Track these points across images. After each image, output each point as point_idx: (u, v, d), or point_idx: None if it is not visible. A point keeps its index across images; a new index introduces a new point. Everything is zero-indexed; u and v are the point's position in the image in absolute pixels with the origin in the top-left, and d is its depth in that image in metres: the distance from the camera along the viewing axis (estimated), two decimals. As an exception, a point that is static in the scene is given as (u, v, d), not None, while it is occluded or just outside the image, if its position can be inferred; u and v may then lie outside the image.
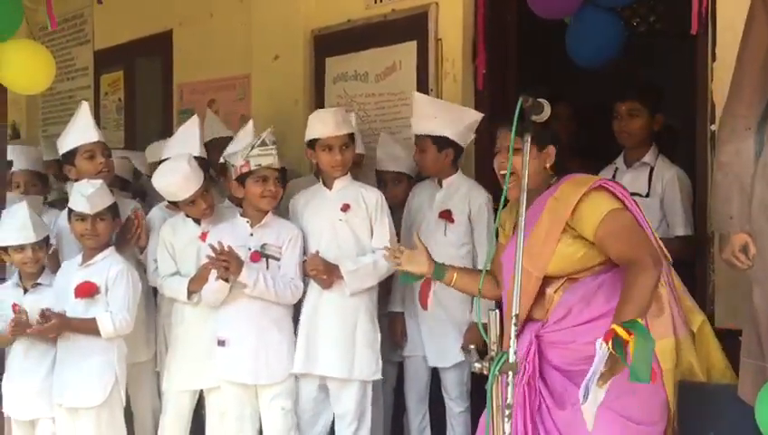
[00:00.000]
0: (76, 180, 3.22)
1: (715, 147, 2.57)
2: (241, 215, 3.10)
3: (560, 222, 2.25)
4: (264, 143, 3.00)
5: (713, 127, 2.77)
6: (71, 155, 3.29)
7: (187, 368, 3.15)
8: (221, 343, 3.03)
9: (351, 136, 3.15)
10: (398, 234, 3.37)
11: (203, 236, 3.14)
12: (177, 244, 3.19)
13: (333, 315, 3.04)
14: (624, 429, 2.20)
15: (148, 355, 3.32)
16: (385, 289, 3.30)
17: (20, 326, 2.93)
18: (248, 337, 3.02)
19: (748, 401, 2.27)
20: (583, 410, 1.96)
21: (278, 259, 3.02)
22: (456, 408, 3.21)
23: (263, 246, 3.02)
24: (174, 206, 3.19)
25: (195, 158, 3.25)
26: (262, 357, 3.01)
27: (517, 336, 1.93)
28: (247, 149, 3.01)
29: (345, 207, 3.07)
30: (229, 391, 3.06)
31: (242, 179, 3.02)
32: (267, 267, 3.01)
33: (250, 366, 3.01)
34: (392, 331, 3.33)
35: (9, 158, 3.58)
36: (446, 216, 3.19)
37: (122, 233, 3.26)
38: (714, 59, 2.85)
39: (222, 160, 3.24)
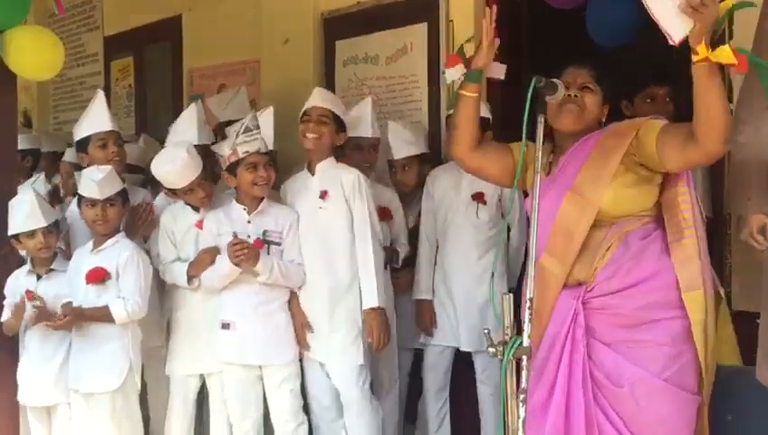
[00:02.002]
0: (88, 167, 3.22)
1: (732, 127, 2.52)
2: (237, 201, 3.09)
3: (621, 146, 2.21)
4: (248, 129, 2.99)
5: (731, 106, 2.71)
6: (84, 143, 3.30)
7: (191, 352, 3.15)
8: (225, 326, 3.03)
9: (335, 117, 3.10)
10: (417, 218, 3.35)
11: (199, 224, 3.14)
12: (178, 231, 3.19)
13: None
14: (678, 398, 2.15)
15: (160, 340, 3.33)
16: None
17: (42, 315, 2.93)
18: (255, 319, 3.01)
19: (766, 383, 2.24)
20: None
21: (279, 244, 3.02)
22: (487, 391, 3.20)
23: (264, 233, 3.01)
24: (173, 193, 3.18)
25: (199, 145, 3.26)
26: (270, 338, 3.02)
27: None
28: (232, 138, 3.00)
29: (323, 194, 3.05)
30: (233, 375, 3.06)
31: (232, 169, 3.01)
32: (268, 253, 3.00)
33: (258, 347, 3.01)
34: (421, 319, 3.30)
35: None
36: (480, 197, 3.18)
37: (131, 220, 3.26)
38: (731, 37, 2.78)
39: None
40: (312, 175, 3.11)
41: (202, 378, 3.22)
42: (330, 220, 3.04)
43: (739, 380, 2.34)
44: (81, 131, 3.32)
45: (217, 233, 3.07)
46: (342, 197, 3.03)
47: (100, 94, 3.40)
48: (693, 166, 2.21)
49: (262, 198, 3.06)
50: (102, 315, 2.99)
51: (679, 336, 2.16)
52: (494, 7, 2.45)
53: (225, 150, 3.01)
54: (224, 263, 2.98)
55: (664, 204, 2.27)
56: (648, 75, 3.30)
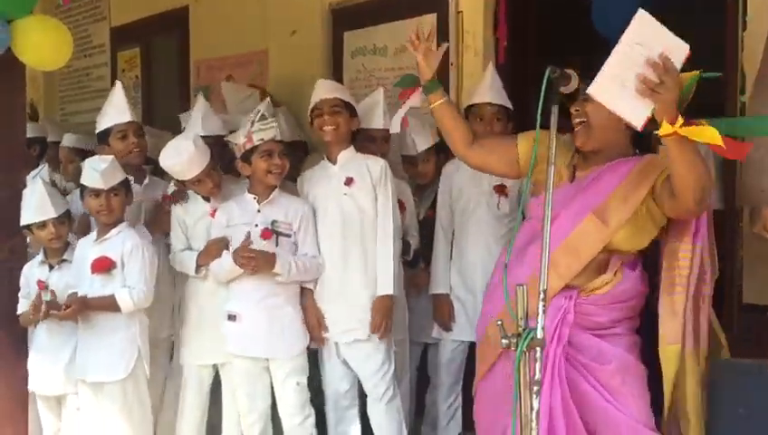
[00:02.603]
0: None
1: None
2: (249, 191, 3.07)
3: (647, 183, 2.23)
4: (263, 117, 2.97)
5: (743, 98, 2.70)
6: (105, 135, 3.32)
7: (204, 342, 3.15)
8: (231, 317, 3.02)
9: (346, 104, 3.08)
10: (432, 208, 3.34)
11: (213, 213, 3.14)
12: (189, 220, 3.19)
13: None
14: (643, 371, 2.34)
15: (169, 331, 3.33)
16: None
17: (52, 306, 2.94)
18: (261, 311, 2.99)
19: (779, 377, 2.23)
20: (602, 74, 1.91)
21: (289, 236, 2.99)
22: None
23: (273, 223, 2.99)
24: (182, 184, 3.18)
25: (208, 136, 3.27)
26: (275, 331, 2.99)
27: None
28: (248, 126, 2.97)
29: (349, 181, 3.04)
30: (240, 367, 3.05)
31: (246, 157, 2.99)
32: (277, 244, 2.98)
33: (264, 340, 2.99)
34: (439, 313, 3.29)
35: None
36: (501, 189, 3.17)
37: (153, 215, 3.28)
38: (744, 28, 2.77)
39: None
40: (334, 164, 3.09)
41: (215, 368, 3.22)
42: (355, 206, 3.02)
43: (751, 373, 2.33)
44: (101, 123, 3.34)
45: (227, 224, 3.06)
46: (370, 184, 3.02)
47: (119, 86, 3.41)
48: (681, 217, 2.25)
49: (274, 188, 3.04)
50: (108, 305, 2.98)
51: (634, 329, 2.39)
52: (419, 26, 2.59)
53: (239, 138, 2.99)
54: (227, 259, 2.97)
55: (665, 253, 2.33)
56: None
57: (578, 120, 2.30)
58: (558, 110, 2.04)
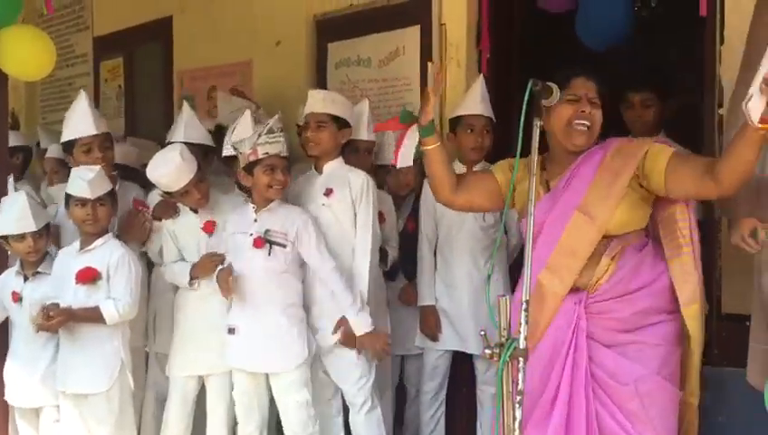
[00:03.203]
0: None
1: (723, 131, 2.55)
2: (250, 202, 3.06)
3: (629, 168, 2.25)
4: (271, 130, 2.94)
5: (721, 111, 2.75)
6: (69, 146, 3.26)
7: (191, 353, 3.14)
8: (231, 330, 3.00)
9: (335, 118, 3.09)
10: (414, 220, 3.36)
11: (206, 227, 3.12)
12: (179, 232, 3.19)
13: None
14: (672, 394, 2.26)
15: (142, 340, 3.32)
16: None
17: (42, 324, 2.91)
18: (258, 325, 2.98)
19: (757, 386, 2.27)
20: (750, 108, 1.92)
21: (284, 246, 2.96)
22: (489, 390, 3.21)
23: (266, 232, 2.96)
24: (169, 196, 3.16)
25: (195, 145, 3.25)
26: (272, 345, 2.97)
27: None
28: (254, 137, 2.95)
29: (328, 192, 3.05)
30: (239, 380, 3.04)
31: (250, 168, 2.97)
32: (270, 253, 2.95)
33: (261, 354, 2.97)
34: (426, 324, 3.29)
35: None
36: None
37: (127, 224, 3.24)
38: (722, 42, 2.82)
39: (229, 149, 3.21)
40: (320, 174, 3.11)
41: (202, 379, 3.20)
42: (332, 218, 3.03)
43: (730, 382, 2.37)
44: (65, 134, 3.26)
45: (231, 232, 3.05)
46: (349, 197, 3.02)
47: (82, 95, 3.30)
48: (700, 198, 2.30)
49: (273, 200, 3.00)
50: (93, 316, 2.97)
51: (670, 337, 2.28)
52: (436, 64, 2.68)
53: (245, 149, 2.95)
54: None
55: (662, 221, 2.34)
56: (625, 82, 3.36)
57: (586, 122, 2.31)
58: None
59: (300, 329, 3.00)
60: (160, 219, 3.22)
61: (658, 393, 2.22)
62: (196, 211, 3.17)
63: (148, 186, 3.36)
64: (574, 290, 2.29)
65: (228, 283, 2.91)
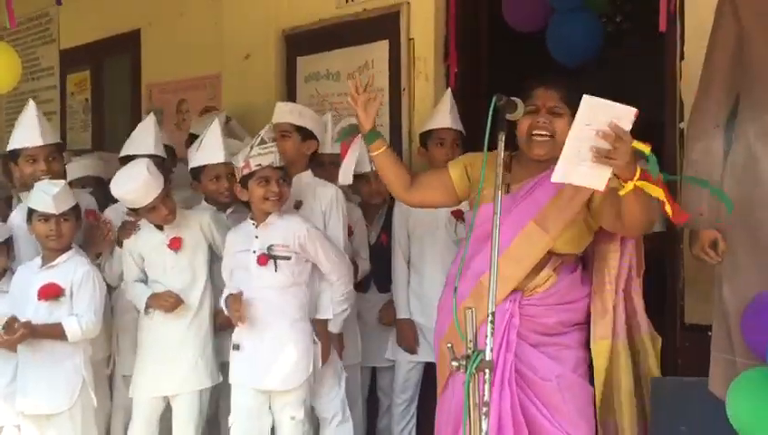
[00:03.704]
0: (21, 181, 3.14)
1: (684, 145, 2.61)
2: (250, 217, 3.00)
3: (587, 192, 2.30)
4: (263, 141, 2.90)
5: (682, 125, 2.81)
6: (15, 155, 3.18)
7: (155, 374, 3.09)
8: (235, 347, 2.93)
9: (298, 128, 3.11)
10: (388, 233, 3.37)
11: (172, 244, 3.06)
12: (144, 251, 3.12)
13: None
14: (587, 391, 2.43)
15: (101, 355, 3.26)
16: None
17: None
18: (264, 341, 2.89)
19: (719, 395, 2.31)
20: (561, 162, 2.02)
21: (288, 258, 2.89)
22: None
23: (269, 248, 2.89)
24: (134, 212, 3.10)
25: (154, 157, 3.23)
26: (278, 362, 2.88)
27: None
28: (247, 150, 2.92)
29: (297, 204, 3.05)
30: (240, 398, 2.95)
31: (244, 182, 2.92)
32: (276, 269, 2.89)
33: (266, 371, 2.89)
34: (404, 337, 3.30)
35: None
36: (459, 214, 3.21)
37: (87, 237, 3.20)
38: (682, 57, 2.88)
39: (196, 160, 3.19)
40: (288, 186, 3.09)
41: (166, 399, 3.14)
42: None
43: (693, 391, 2.41)
44: (11, 143, 3.20)
45: (233, 251, 2.98)
46: (319, 209, 3.02)
47: (31, 106, 3.22)
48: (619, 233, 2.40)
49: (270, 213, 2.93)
50: (55, 333, 2.91)
51: (582, 343, 2.47)
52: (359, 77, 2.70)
53: (239, 162, 2.91)
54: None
55: (596, 255, 2.47)
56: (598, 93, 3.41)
57: (543, 132, 2.36)
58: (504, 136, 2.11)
59: (306, 344, 2.93)
60: (121, 245, 3.17)
61: (577, 389, 2.39)
62: (161, 228, 3.11)
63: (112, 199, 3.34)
64: (513, 290, 2.39)
65: (240, 311, 2.84)
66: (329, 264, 2.96)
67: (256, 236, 2.93)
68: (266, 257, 2.88)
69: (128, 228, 3.16)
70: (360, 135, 2.60)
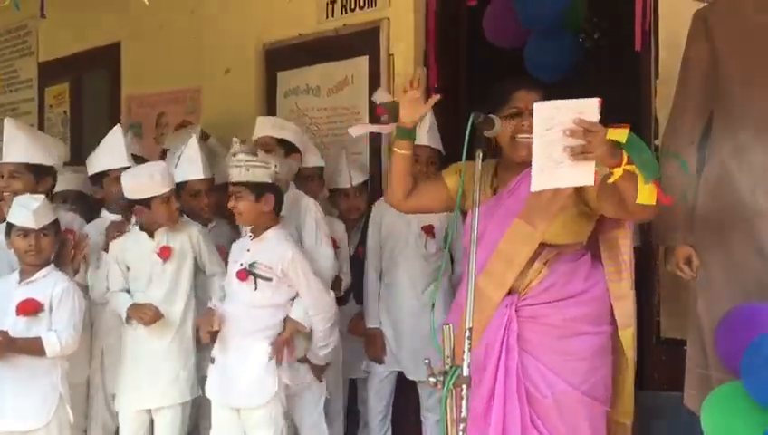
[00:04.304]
0: None
1: (658, 161, 2.65)
2: (250, 230, 2.98)
3: None
4: (234, 155, 2.91)
5: (656, 142, 2.86)
6: None
7: (138, 386, 3.07)
8: (212, 359, 2.93)
9: (280, 141, 3.13)
10: (361, 244, 3.39)
11: (162, 252, 3.04)
12: (130, 259, 3.11)
13: None
14: (592, 409, 2.27)
15: (82, 377, 3.24)
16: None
17: None
18: (234, 357, 2.88)
19: (693, 408, 2.34)
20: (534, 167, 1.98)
21: (270, 280, 2.86)
22: (433, 417, 3.23)
23: (251, 265, 2.88)
24: (128, 212, 3.07)
25: (127, 168, 3.22)
26: (245, 379, 2.86)
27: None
28: (229, 161, 2.94)
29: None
30: (214, 414, 2.94)
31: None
32: (256, 287, 2.87)
33: (233, 388, 2.88)
34: (371, 347, 3.32)
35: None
36: (429, 230, 3.23)
37: (61, 253, 3.17)
38: (657, 76, 2.94)
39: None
40: None
41: (150, 413, 3.11)
42: None
43: (669, 406, 2.44)
44: None
45: (233, 260, 2.98)
46: (297, 221, 3.02)
47: (6, 122, 3.22)
48: (624, 219, 2.30)
49: (269, 227, 2.89)
50: (33, 347, 2.88)
51: (598, 351, 2.29)
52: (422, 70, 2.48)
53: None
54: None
55: (604, 243, 2.36)
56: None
57: (526, 135, 2.24)
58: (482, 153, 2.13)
59: (272, 363, 2.88)
60: (107, 249, 3.16)
61: (578, 408, 2.24)
62: (152, 235, 3.09)
63: (92, 215, 3.32)
64: (507, 294, 2.30)
65: (209, 329, 2.85)
66: (309, 297, 2.90)
67: (248, 250, 2.94)
68: (246, 274, 2.88)
69: (117, 228, 3.15)
70: (394, 124, 2.47)
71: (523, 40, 3.82)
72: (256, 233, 2.92)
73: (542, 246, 2.28)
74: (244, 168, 2.82)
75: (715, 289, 2.38)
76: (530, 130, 2.23)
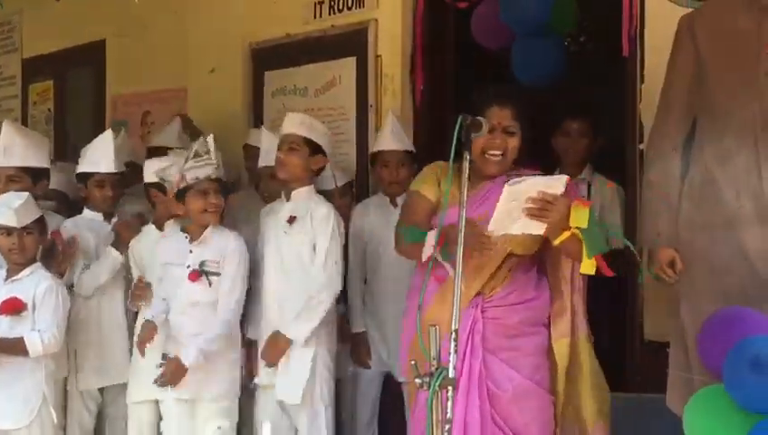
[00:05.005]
0: None
1: (643, 165, 2.68)
2: (181, 230, 3.01)
3: None
4: (197, 154, 2.92)
5: (641, 146, 2.88)
6: None
7: (145, 378, 3.01)
8: (164, 357, 2.92)
9: (308, 141, 3.05)
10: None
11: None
12: (143, 255, 3.14)
13: None
14: (542, 399, 2.45)
15: (60, 375, 3.20)
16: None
17: None
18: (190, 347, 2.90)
19: (676, 411, 2.36)
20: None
21: (218, 275, 2.93)
22: None
23: (201, 264, 2.93)
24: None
25: (117, 173, 3.29)
26: (203, 370, 2.89)
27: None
28: (181, 163, 2.93)
29: (291, 220, 3.00)
30: (166, 409, 2.98)
31: (181, 195, 2.93)
32: (210, 284, 2.92)
33: (188, 379, 2.89)
34: (357, 351, 3.31)
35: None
36: None
37: (48, 253, 3.16)
38: (642, 81, 2.96)
39: (156, 179, 3.13)
40: (288, 200, 3.05)
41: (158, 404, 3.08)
42: (291, 247, 2.98)
43: (651, 408, 2.46)
44: None
45: (164, 262, 2.99)
46: (310, 227, 2.97)
47: None
48: None
49: (207, 226, 2.95)
50: (16, 348, 2.87)
51: (541, 349, 2.49)
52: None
53: (173, 176, 2.92)
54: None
55: (548, 259, 2.52)
56: (564, 111, 3.49)
57: (496, 152, 2.42)
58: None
59: (235, 356, 2.96)
60: (127, 241, 3.17)
61: (531, 396, 2.42)
62: (161, 229, 3.12)
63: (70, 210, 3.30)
64: (473, 296, 2.43)
65: (151, 341, 2.90)
66: (225, 292, 2.92)
67: (191, 251, 2.94)
68: (197, 274, 2.91)
69: (128, 227, 3.16)
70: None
71: (511, 41, 3.83)
72: (196, 235, 2.94)
73: (509, 255, 2.43)
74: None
75: (698, 292, 2.40)
76: (499, 147, 2.41)
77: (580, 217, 2.21)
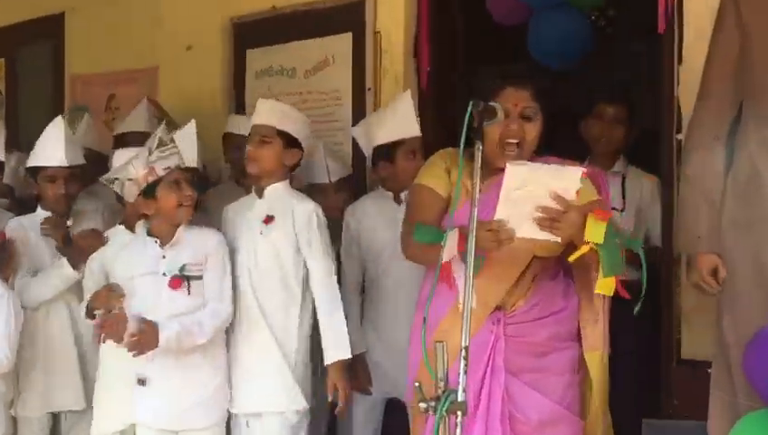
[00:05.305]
0: None
1: (681, 159, 2.68)
2: (148, 234, 2.95)
3: None
4: (162, 143, 2.88)
5: (679, 136, 2.88)
6: None
7: (114, 407, 2.97)
8: (141, 381, 2.86)
9: (281, 133, 3.02)
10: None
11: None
12: (108, 258, 3.08)
13: None
14: (572, 425, 2.44)
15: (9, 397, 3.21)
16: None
17: None
18: (176, 374, 2.86)
19: (717, 438, 2.37)
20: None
21: (200, 278, 2.88)
22: None
23: (182, 269, 2.88)
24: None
25: (72, 167, 3.28)
26: (190, 398, 2.87)
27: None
28: (145, 156, 2.88)
29: (268, 219, 2.98)
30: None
31: (150, 192, 2.88)
32: (189, 293, 2.86)
33: (173, 409, 2.86)
34: (356, 375, 3.19)
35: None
36: None
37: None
38: (680, 61, 2.95)
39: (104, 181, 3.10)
40: (260, 197, 3.02)
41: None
42: (270, 250, 2.96)
43: (687, 434, 2.46)
44: None
45: (129, 276, 2.91)
46: (291, 227, 2.95)
47: None
48: None
49: (177, 226, 2.90)
50: None
51: (573, 365, 2.47)
52: None
53: (137, 171, 2.87)
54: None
55: (575, 262, 2.40)
56: (599, 94, 3.48)
57: (513, 140, 2.35)
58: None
59: (222, 379, 2.91)
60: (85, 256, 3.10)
61: (561, 423, 2.41)
62: (132, 231, 3.05)
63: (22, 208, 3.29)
64: (492, 311, 2.41)
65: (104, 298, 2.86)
66: (214, 295, 2.89)
67: (164, 257, 2.90)
68: (179, 280, 2.87)
69: (89, 237, 3.13)
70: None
71: (528, 16, 3.83)
72: (166, 237, 2.90)
73: (533, 258, 2.39)
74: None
75: (744, 304, 2.40)
76: (517, 135, 2.35)
77: (596, 232, 2.19)
